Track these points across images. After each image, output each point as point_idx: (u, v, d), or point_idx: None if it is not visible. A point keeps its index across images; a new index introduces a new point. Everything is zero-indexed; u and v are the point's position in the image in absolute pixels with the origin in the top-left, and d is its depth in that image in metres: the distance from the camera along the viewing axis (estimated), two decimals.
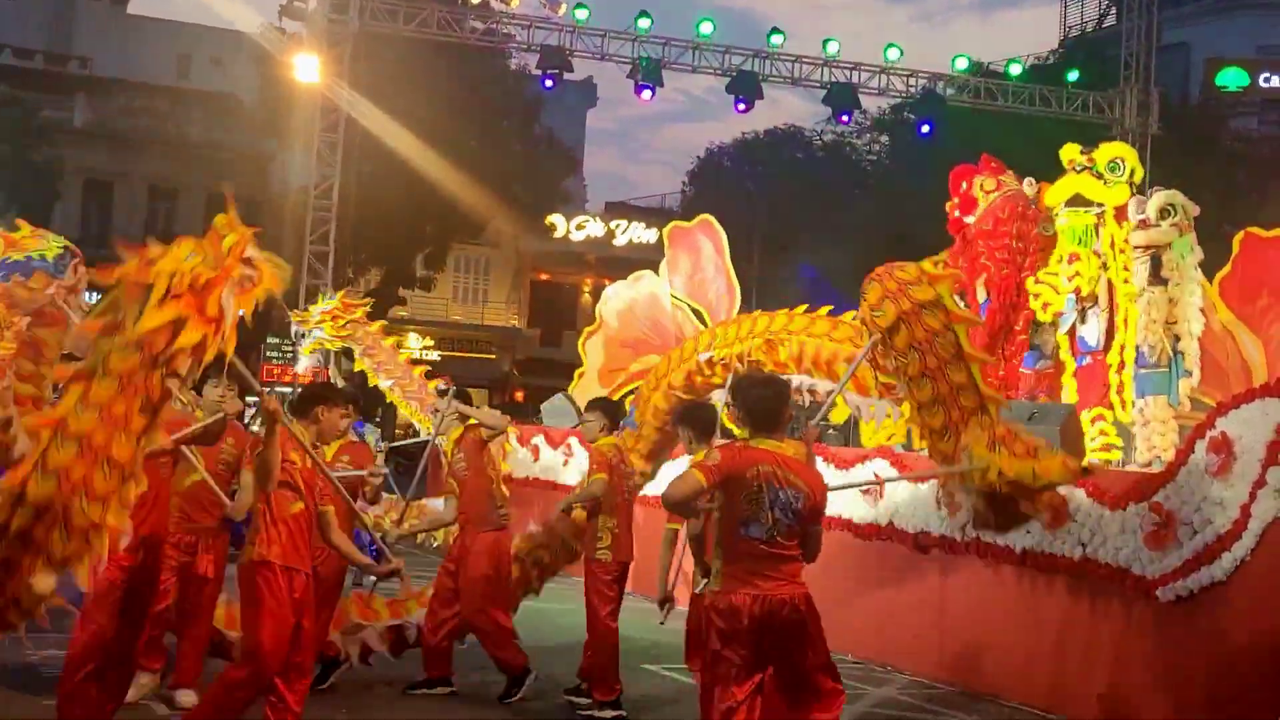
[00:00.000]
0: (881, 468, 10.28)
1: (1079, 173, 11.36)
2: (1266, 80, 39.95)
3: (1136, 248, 11.49)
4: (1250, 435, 7.42)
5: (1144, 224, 11.30)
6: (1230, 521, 7.46)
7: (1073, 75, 25.07)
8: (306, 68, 21.43)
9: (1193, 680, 7.64)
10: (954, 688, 9.25)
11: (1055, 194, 11.57)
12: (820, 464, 10.69)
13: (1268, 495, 7.27)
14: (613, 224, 42.48)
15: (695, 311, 15.12)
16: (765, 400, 5.83)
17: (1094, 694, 8.30)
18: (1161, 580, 7.84)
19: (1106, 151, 11.52)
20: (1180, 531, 7.79)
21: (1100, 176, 11.29)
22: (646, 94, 22.24)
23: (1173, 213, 11.25)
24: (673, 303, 15.15)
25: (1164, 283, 11.22)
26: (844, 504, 10.43)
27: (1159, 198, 11.43)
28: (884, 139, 36.98)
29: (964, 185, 12.49)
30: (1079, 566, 8.45)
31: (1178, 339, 11.25)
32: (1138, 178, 11.62)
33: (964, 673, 9.32)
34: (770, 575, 5.53)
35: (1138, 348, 11.26)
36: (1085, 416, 10.80)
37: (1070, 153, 11.53)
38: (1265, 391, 7.54)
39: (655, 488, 9.36)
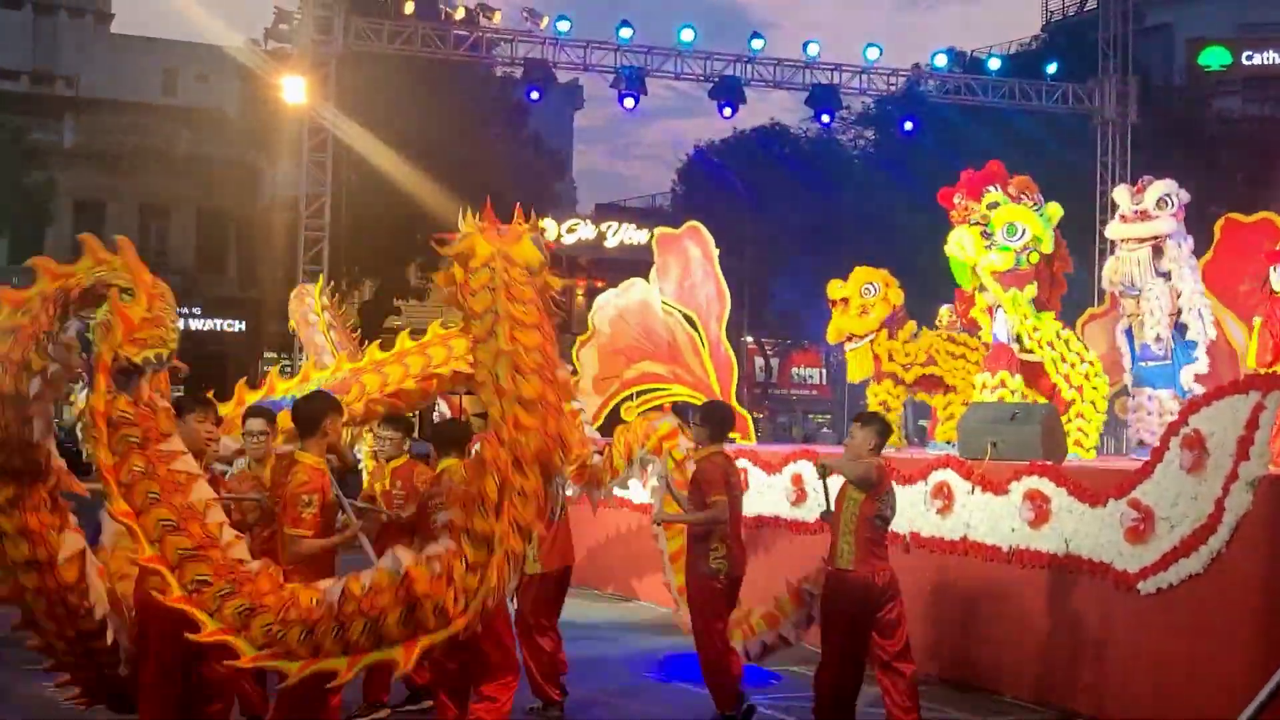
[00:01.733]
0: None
1: (972, 224, 11.20)
2: (1249, 58, 40.12)
3: (1130, 240, 11.52)
4: (1221, 432, 7.68)
5: (1143, 215, 11.33)
6: (1205, 515, 7.72)
7: (1051, 68, 25.23)
8: (294, 89, 21.64)
9: (1174, 669, 7.89)
10: (946, 683, 9.49)
11: (950, 241, 11.48)
12: None
13: (1240, 489, 7.53)
14: (603, 226, 42.62)
15: (686, 317, 15.34)
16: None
17: (1080, 685, 8.56)
18: (1142, 574, 8.10)
19: (1015, 214, 11.23)
20: (1158, 526, 8.05)
21: (988, 235, 11.07)
22: (629, 101, 22.46)
23: (1170, 203, 11.32)
24: (663, 309, 15.36)
25: (1165, 275, 11.30)
26: None
27: (1156, 188, 11.45)
28: (869, 134, 37.20)
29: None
30: (1062, 562, 8.71)
31: (1185, 329, 11.32)
32: (1045, 248, 11.30)
33: (955, 667, 9.56)
34: (884, 555, 7.47)
35: (1143, 342, 11.41)
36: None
37: (986, 200, 11.35)
38: (1234, 389, 7.79)
39: None
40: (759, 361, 43.89)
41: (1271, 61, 39.97)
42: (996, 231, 11.03)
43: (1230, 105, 37.88)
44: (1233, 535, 7.56)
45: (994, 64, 26.00)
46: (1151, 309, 11.20)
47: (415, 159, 27.51)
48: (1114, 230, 11.67)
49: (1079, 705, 8.54)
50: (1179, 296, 11.30)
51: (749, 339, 38.70)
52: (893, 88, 24.90)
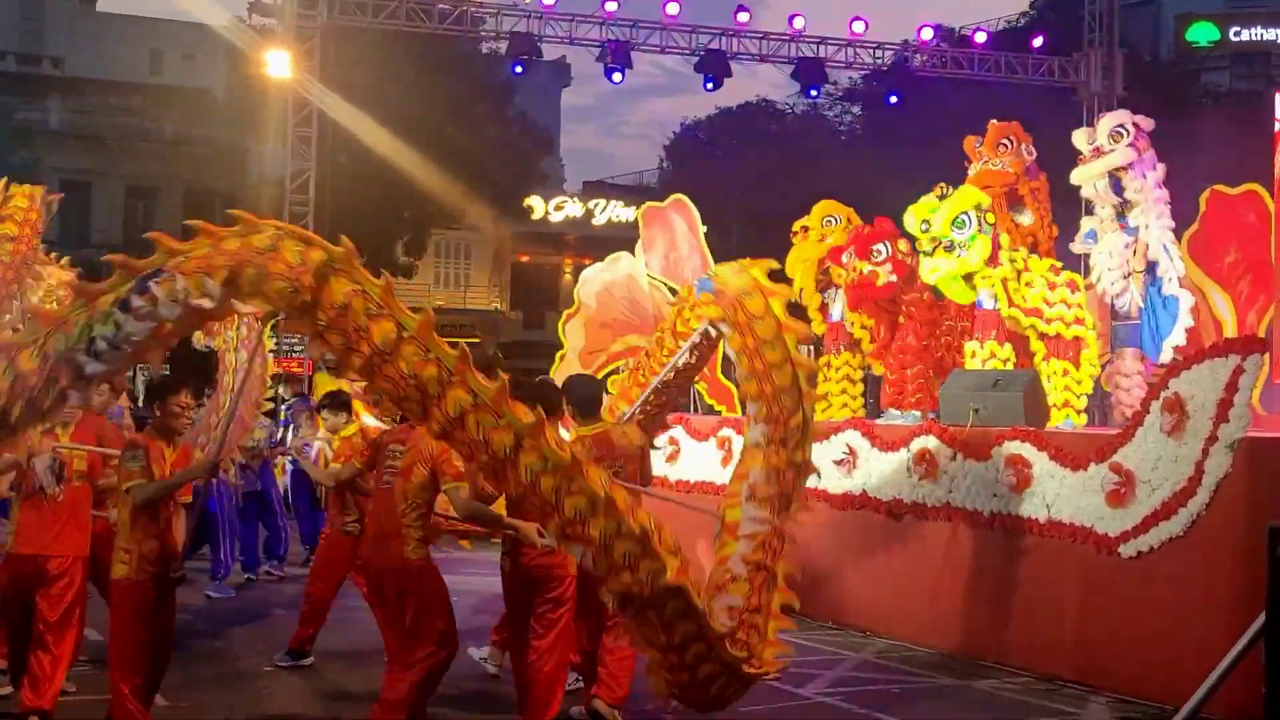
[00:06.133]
0: (854, 439, 10.53)
1: (930, 253, 10.58)
2: (1237, 34, 40.03)
3: (1090, 178, 11.20)
4: (1201, 394, 7.72)
5: (1098, 152, 11.04)
6: (1185, 478, 7.78)
7: (1038, 42, 25.22)
8: (278, 64, 21.56)
9: (1155, 631, 7.94)
10: (930, 649, 9.54)
11: (924, 272, 10.83)
12: None
13: (1219, 451, 7.59)
14: (591, 203, 42.56)
15: (672, 290, 15.34)
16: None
17: (1064, 648, 8.61)
18: (1123, 537, 8.15)
19: (949, 211, 10.52)
20: (1139, 489, 8.10)
21: (951, 247, 10.40)
22: (616, 76, 22.45)
23: (1125, 133, 10.96)
24: (649, 282, 15.37)
25: (1132, 231, 11.00)
26: (819, 475, 10.64)
27: (1107, 120, 11.11)
28: (856, 109, 37.15)
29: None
30: (1044, 527, 8.74)
31: (1156, 282, 10.96)
32: (986, 203, 10.57)
33: (939, 635, 9.60)
34: None
35: (1112, 301, 11.24)
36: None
37: (916, 222, 10.72)
38: (1213, 352, 7.84)
39: None
40: None
41: (1259, 37, 39.89)
42: (951, 236, 10.41)
43: (1218, 80, 37.85)
44: (1212, 498, 7.63)
45: (980, 38, 25.98)
46: (1105, 263, 10.88)
47: (401, 135, 27.41)
48: (1074, 175, 11.14)
49: (1062, 669, 8.58)
50: (1147, 248, 10.85)
51: None
52: (879, 62, 24.87)
